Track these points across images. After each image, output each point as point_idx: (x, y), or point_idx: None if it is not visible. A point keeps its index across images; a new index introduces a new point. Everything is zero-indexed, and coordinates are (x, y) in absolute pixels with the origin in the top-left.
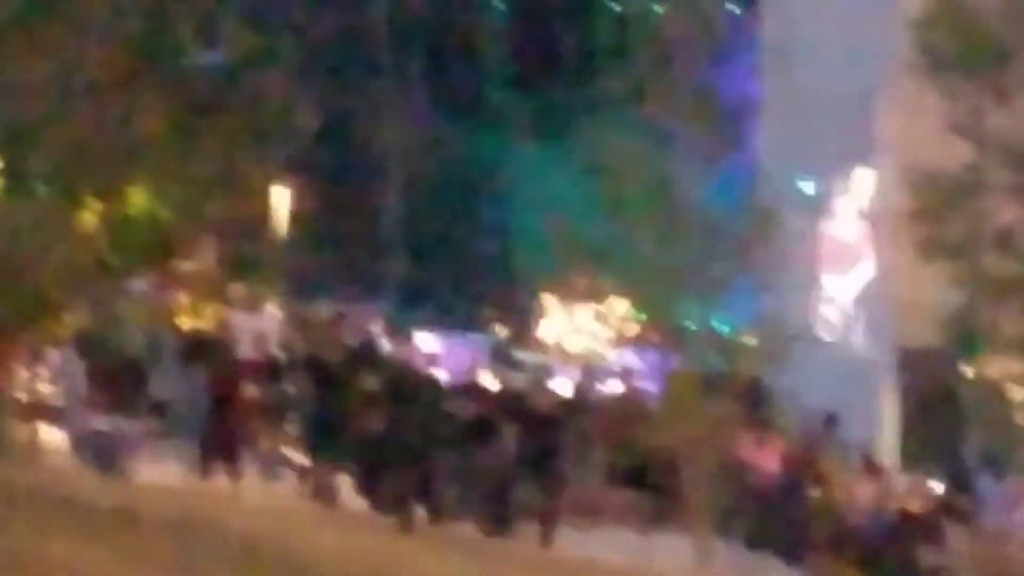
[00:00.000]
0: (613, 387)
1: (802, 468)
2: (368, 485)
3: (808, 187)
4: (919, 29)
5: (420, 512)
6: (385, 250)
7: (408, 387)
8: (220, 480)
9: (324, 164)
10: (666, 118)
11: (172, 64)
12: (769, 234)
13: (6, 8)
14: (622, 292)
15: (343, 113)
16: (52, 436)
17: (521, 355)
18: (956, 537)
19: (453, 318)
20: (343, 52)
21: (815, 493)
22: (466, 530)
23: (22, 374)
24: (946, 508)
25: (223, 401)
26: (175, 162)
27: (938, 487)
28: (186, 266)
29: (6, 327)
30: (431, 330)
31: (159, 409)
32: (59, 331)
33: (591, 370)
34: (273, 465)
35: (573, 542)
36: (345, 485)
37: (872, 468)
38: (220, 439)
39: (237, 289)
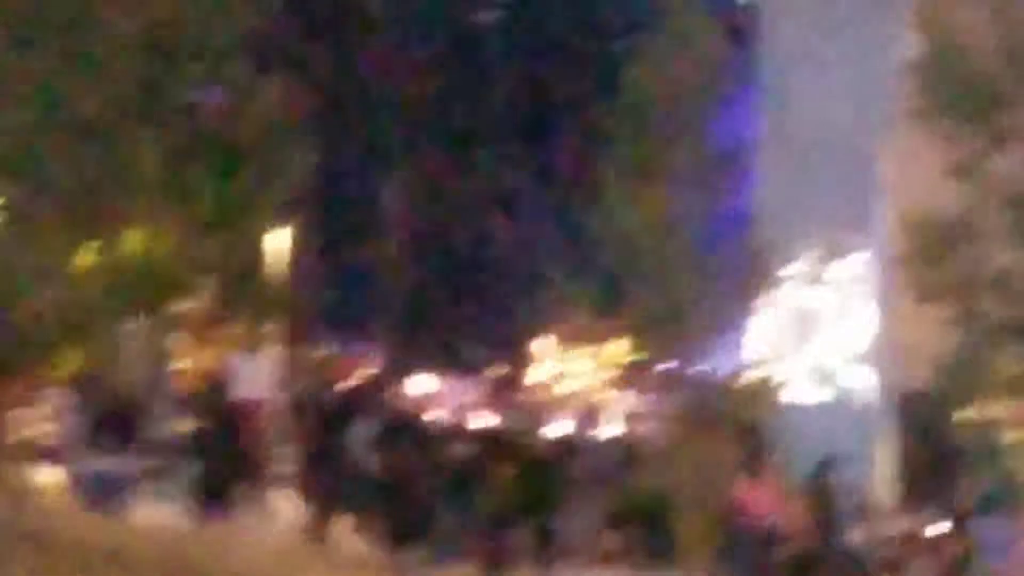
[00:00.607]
0: (609, 429)
1: (799, 510)
2: (365, 526)
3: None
4: (917, 73)
5: (417, 553)
6: (383, 292)
7: (405, 428)
8: (217, 521)
9: (323, 206)
10: (664, 160)
11: (171, 104)
12: (767, 276)
13: (5, 46)
14: (620, 334)
15: (344, 156)
16: (50, 476)
17: (518, 396)
18: None
19: (450, 360)
20: (347, 95)
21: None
22: (462, 571)
23: (21, 414)
24: (943, 549)
25: (221, 442)
26: (174, 203)
27: (935, 529)
28: (184, 307)
29: (5, 367)
30: (428, 371)
31: (157, 450)
32: (57, 371)
33: (587, 412)
34: (269, 505)
35: None
36: (342, 526)
37: (868, 510)
38: (216, 480)
39: (235, 330)
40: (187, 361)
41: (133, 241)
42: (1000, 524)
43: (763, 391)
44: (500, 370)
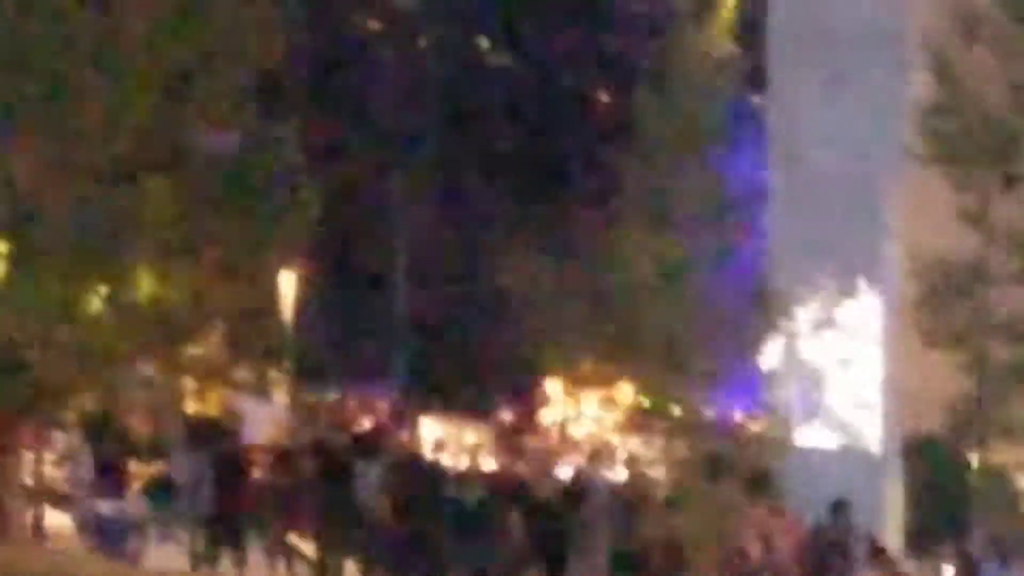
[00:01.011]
0: (619, 473)
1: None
2: (375, 570)
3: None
4: (927, 117)
5: None
6: (391, 336)
7: (414, 473)
8: (226, 566)
9: (331, 251)
10: (674, 205)
11: (183, 148)
12: (777, 321)
13: (13, 89)
14: (628, 378)
15: (350, 201)
16: (58, 520)
17: (527, 440)
18: None
19: (459, 404)
20: (356, 139)
21: None
22: None
23: (29, 457)
24: None
25: (230, 486)
26: (183, 247)
27: (945, 574)
28: (193, 351)
29: (13, 410)
30: (437, 416)
31: (166, 493)
32: (66, 415)
33: (597, 456)
34: (279, 551)
35: None
36: (352, 571)
37: (880, 554)
38: (226, 524)
39: (244, 374)
40: (197, 405)
41: (144, 285)
42: (1012, 570)
43: (773, 436)
44: (509, 414)
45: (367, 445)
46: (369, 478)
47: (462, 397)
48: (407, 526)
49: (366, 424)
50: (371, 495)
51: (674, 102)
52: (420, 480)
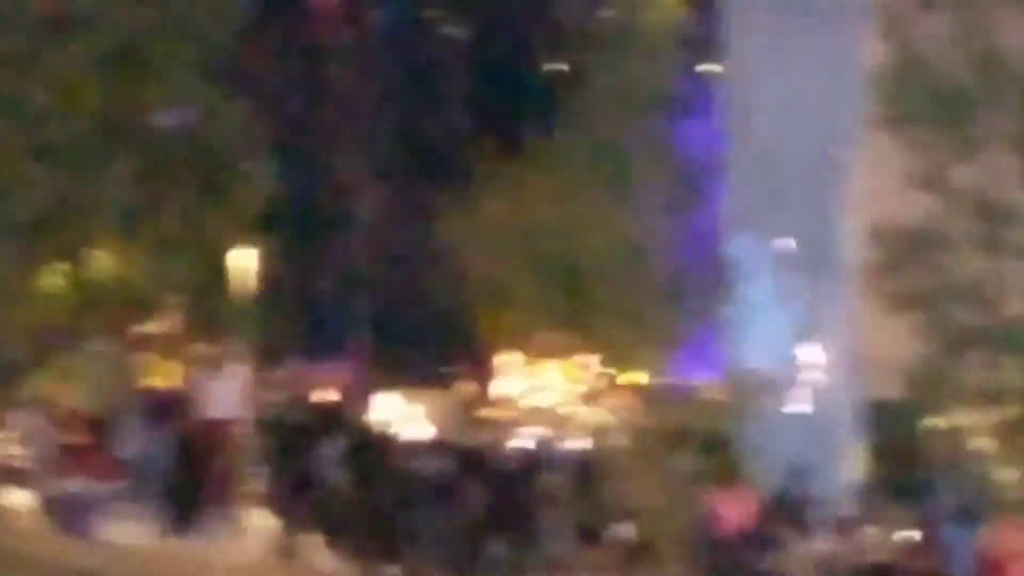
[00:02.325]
0: (579, 442)
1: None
2: (336, 544)
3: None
4: (881, 83)
5: (388, 570)
6: (350, 310)
7: (374, 445)
8: (188, 540)
9: (289, 225)
10: (627, 174)
11: (137, 125)
12: (734, 288)
13: None
14: (589, 348)
15: (308, 174)
16: (20, 498)
17: (486, 411)
18: None
19: (419, 376)
20: (308, 114)
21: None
22: None
23: None
24: (913, 560)
25: (191, 461)
26: (141, 223)
27: (905, 539)
28: (152, 326)
29: None
30: (397, 388)
31: (127, 470)
32: (26, 393)
33: (557, 426)
34: (241, 525)
35: None
36: (313, 544)
37: (837, 520)
38: (186, 499)
39: (203, 349)
40: (156, 381)
41: (100, 262)
42: (970, 534)
43: (732, 402)
44: (468, 385)
45: (326, 419)
46: (329, 452)
47: (421, 369)
48: (367, 499)
49: (325, 398)
50: (331, 468)
51: (626, 70)
52: (380, 452)
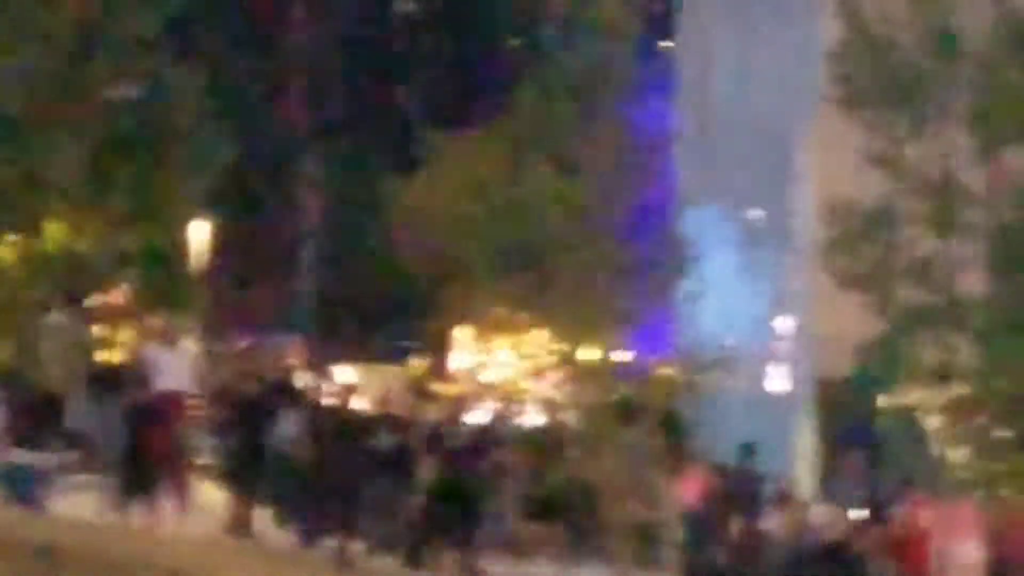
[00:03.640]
0: (531, 418)
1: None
2: (288, 518)
3: (727, 219)
4: (835, 61)
5: (341, 544)
6: (303, 283)
7: (327, 419)
8: (139, 514)
9: (241, 199)
10: (581, 150)
11: (89, 99)
12: (687, 265)
13: None
14: (540, 324)
15: (260, 149)
16: None
17: (439, 387)
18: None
19: (371, 350)
20: (261, 89)
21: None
22: (385, 562)
23: None
24: (863, 537)
25: (141, 434)
26: (92, 196)
27: (855, 515)
28: (104, 299)
29: None
30: (349, 362)
31: (77, 442)
32: None
33: (509, 401)
34: (191, 498)
35: (493, 573)
36: (264, 518)
37: (787, 497)
38: (138, 472)
39: (154, 322)
40: (108, 353)
41: (53, 234)
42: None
43: (683, 379)
44: (422, 360)
45: (280, 393)
46: (282, 426)
47: (374, 344)
48: (320, 473)
49: (278, 372)
50: (284, 442)
51: (581, 45)
52: (333, 427)
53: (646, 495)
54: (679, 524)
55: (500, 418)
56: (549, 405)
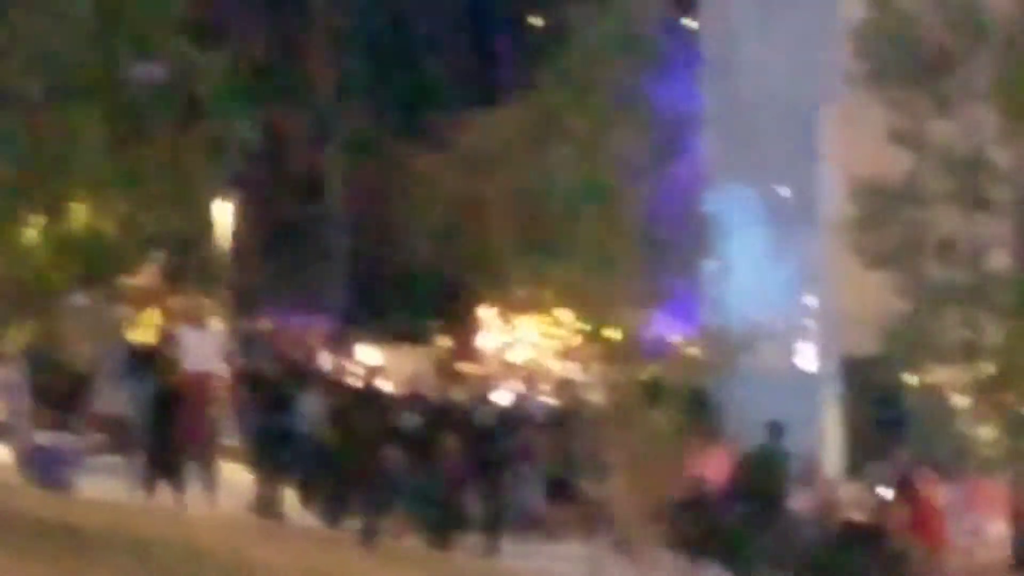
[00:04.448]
0: (556, 398)
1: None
2: (313, 498)
3: (752, 197)
4: (859, 38)
5: (366, 524)
6: (327, 263)
7: (353, 400)
8: (165, 494)
9: (266, 178)
10: (604, 128)
11: (113, 78)
12: (712, 244)
13: None
14: (565, 303)
15: (286, 128)
16: None
17: (464, 367)
18: (901, 544)
19: (396, 330)
20: (287, 68)
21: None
22: (411, 542)
23: None
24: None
25: (169, 415)
26: (117, 176)
27: (883, 495)
28: (130, 280)
29: None
30: (374, 343)
31: (104, 423)
32: (3, 347)
33: (534, 382)
34: (217, 478)
35: (518, 554)
36: (290, 498)
37: (815, 476)
38: (166, 453)
39: (180, 303)
40: (135, 334)
41: (78, 215)
42: (947, 490)
43: (710, 359)
44: (447, 340)
45: (306, 373)
46: (308, 407)
47: (399, 324)
48: (346, 454)
49: (304, 352)
50: (311, 423)
51: (606, 24)
52: (359, 407)
53: (672, 475)
54: (704, 504)
55: (525, 398)
56: (572, 385)
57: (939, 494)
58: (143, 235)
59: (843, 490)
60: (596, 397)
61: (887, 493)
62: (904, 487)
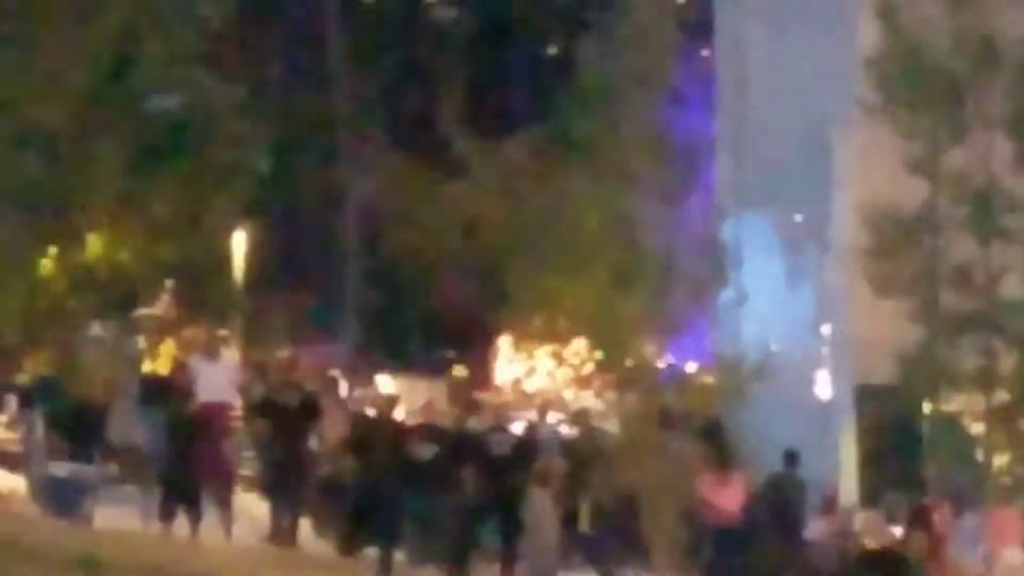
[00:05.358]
0: (571, 427)
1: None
2: (329, 528)
3: (767, 225)
4: (873, 66)
5: (383, 554)
6: (344, 293)
7: (367, 429)
8: (181, 524)
9: (282, 208)
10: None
11: (128, 110)
12: (728, 271)
13: None
14: (580, 333)
15: (301, 158)
16: (11, 482)
17: (480, 396)
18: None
19: (412, 360)
20: (302, 98)
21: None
22: (426, 571)
23: None
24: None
25: (185, 446)
26: (133, 207)
27: (898, 523)
28: (145, 310)
29: None
30: (390, 372)
31: (119, 454)
32: (21, 376)
33: (550, 411)
34: (233, 508)
35: None
36: (306, 528)
37: (831, 505)
38: (182, 483)
39: (195, 333)
40: (150, 365)
41: (94, 246)
42: (964, 518)
43: (725, 387)
44: (462, 370)
45: (319, 403)
46: (322, 436)
47: (415, 354)
48: (361, 483)
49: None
50: (326, 453)
51: (620, 52)
52: (375, 437)
53: (687, 503)
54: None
55: (540, 427)
56: (587, 414)
57: (953, 523)
58: (158, 266)
59: (859, 519)
60: (611, 426)
61: (903, 521)
62: (919, 516)
